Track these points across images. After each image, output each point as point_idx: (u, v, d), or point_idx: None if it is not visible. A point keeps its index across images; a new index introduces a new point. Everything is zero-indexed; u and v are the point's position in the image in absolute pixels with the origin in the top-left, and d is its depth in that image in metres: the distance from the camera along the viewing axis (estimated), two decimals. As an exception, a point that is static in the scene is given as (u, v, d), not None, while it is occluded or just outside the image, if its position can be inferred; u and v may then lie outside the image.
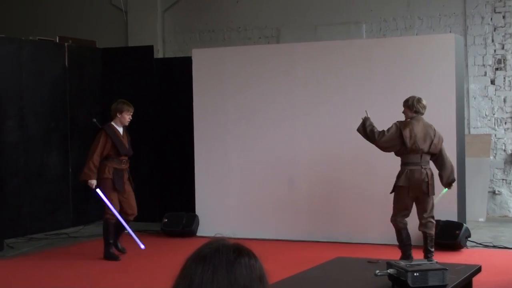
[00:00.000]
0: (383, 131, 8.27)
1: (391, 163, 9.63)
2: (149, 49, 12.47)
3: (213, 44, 13.39)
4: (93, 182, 9.21)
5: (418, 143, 8.15)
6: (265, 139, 10.59)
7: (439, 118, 9.74)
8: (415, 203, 8.21)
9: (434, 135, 8.29)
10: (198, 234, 10.71)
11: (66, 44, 12.13)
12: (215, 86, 10.92)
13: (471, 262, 7.71)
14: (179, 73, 12.04)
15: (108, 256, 9.26)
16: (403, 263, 4.61)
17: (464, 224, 9.52)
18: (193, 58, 11.15)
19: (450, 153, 9.72)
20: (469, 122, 12.15)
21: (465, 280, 5.02)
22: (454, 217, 9.62)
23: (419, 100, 8.35)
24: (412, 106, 8.33)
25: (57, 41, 12.20)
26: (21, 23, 15.00)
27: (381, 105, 9.99)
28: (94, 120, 12.09)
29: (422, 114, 8.36)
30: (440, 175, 8.34)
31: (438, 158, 8.35)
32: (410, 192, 8.11)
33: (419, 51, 9.96)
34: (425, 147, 8.18)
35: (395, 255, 8.04)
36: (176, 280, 2.01)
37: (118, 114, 9.39)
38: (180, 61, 12.44)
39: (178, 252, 8.88)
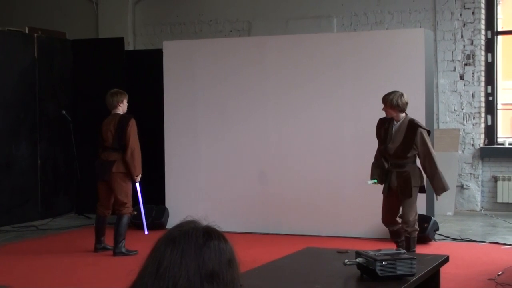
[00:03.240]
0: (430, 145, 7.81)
1: (363, 155, 9.68)
2: (120, 41, 12.40)
3: (184, 37, 13.35)
4: (139, 177, 8.97)
5: None
6: (235, 131, 10.59)
7: (408, 112, 9.77)
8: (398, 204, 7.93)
9: None
10: (168, 226, 10.68)
11: (35, 35, 12.03)
12: (186, 78, 10.90)
13: (439, 254, 7.80)
14: (149, 66, 11.99)
15: (126, 252, 8.90)
16: (371, 252, 4.64)
17: (432, 218, 9.61)
18: (164, 50, 11.11)
19: (419, 147, 9.81)
20: (438, 116, 12.24)
21: (433, 269, 5.07)
22: (422, 211, 9.68)
23: (402, 96, 7.81)
24: (398, 106, 7.73)
25: (27, 32, 12.10)
26: (-10, 13, 14.85)
27: (350, 98, 10.04)
28: (64, 112, 12.07)
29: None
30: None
31: None
32: None
33: (389, 46, 10.01)
34: None
35: (365, 246, 8.08)
36: (145, 261, 2.02)
37: (120, 104, 9.09)
38: (150, 53, 12.39)
39: (147, 245, 8.83)
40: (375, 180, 7.99)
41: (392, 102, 7.70)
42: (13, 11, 14.73)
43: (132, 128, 8.94)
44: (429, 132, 7.86)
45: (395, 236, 8.03)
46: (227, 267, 1.99)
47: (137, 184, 9.17)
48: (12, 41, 11.61)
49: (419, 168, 7.82)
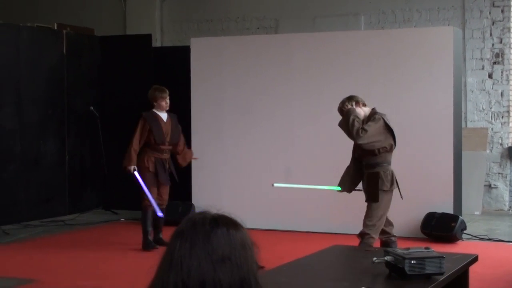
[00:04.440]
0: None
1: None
2: (147, 38, 12.44)
3: (211, 34, 13.37)
4: (131, 168, 9.02)
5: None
6: (262, 128, 10.59)
7: (436, 111, 9.77)
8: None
9: None
10: (194, 223, 10.69)
11: (64, 31, 12.11)
12: (213, 75, 10.92)
13: (467, 253, 7.75)
14: (177, 62, 12.02)
15: (145, 246, 9.03)
16: (400, 250, 4.62)
17: (460, 217, 9.55)
18: (191, 47, 11.14)
19: (447, 146, 9.77)
20: (466, 115, 12.16)
21: (462, 268, 5.04)
22: (450, 210, 9.64)
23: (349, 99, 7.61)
24: (362, 101, 7.55)
25: (55, 28, 12.19)
26: (20, 9, 14.96)
27: (378, 97, 9.99)
28: (91, 108, 12.15)
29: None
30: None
31: None
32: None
33: (417, 44, 9.96)
34: None
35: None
36: (161, 258, 2.05)
37: (154, 102, 9.27)
38: (178, 50, 12.43)
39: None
40: (339, 188, 7.73)
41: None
42: (42, 7, 14.84)
43: (138, 123, 9.15)
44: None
45: (384, 246, 7.50)
46: (239, 250, 2.00)
47: (136, 174, 9.21)
48: (41, 38, 11.69)
49: (392, 171, 7.50)
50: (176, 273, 1.96)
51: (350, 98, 7.56)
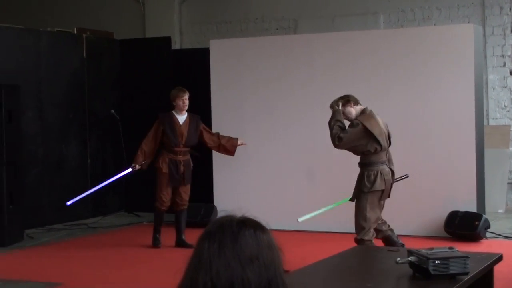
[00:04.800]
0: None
1: (410, 154, 9.62)
2: (167, 40, 12.49)
3: (230, 36, 13.38)
4: (134, 166, 9.34)
5: (385, 138, 7.58)
6: (283, 129, 10.59)
7: (458, 109, 9.72)
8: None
9: (387, 127, 7.72)
10: (216, 224, 10.71)
11: (84, 35, 12.17)
12: (232, 77, 10.92)
13: (492, 252, 7.70)
14: (196, 65, 12.05)
15: (152, 242, 9.41)
16: (424, 250, 4.60)
17: (483, 215, 9.49)
18: (210, 49, 11.16)
19: (469, 144, 9.71)
20: (488, 113, 12.09)
21: (486, 268, 5.01)
22: (473, 208, 9.59)
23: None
24: (356, 100, 7.62)
25: (75, 32, 12.25)
26: (40, 14, 15.05)
27: (399, 96, 9.97)
28: (112, 111, 12.19)
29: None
30: (392, 172, 7.72)
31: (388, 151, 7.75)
32: (382, 198, 7.57)
33: (437, 42, 9.91)
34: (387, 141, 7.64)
35: (415, 244, 8.02)
36: (189, 259, 2.07)
37: (173, 102, 9.34)
38: (197, 52, 12.45)
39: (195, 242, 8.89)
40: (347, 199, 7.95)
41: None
42: (62, 12, 14.91)
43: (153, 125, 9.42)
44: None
45: (386, 243, 7.82)
46: (266, 251, 2.03)
47: (129, 169, 9.54)
48: (61, 42, 11.76)
49: (377, 172, 7.48)
50: (205, 273, 1.99)
51: (341, 98, 7.64)
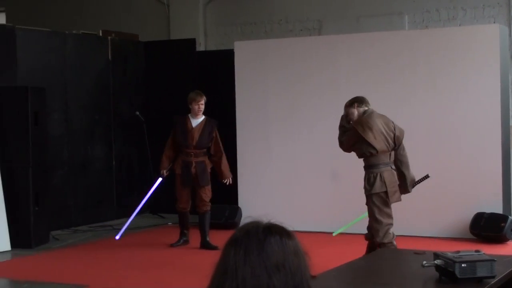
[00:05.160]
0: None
1: (435, 155, 9.57)
2: (191, 42, 12.53)
3: (254, 37, 13.38)
4: (162, 172, 9.59)
5: (385, 140, 7.46)
6: (307, 131, 10.58)
7: (483, 109, 9.66)
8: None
9: (394, 128, 7.58)
10: (241, 226, 10.73)
11: (109, 37, 12.24)
12: (257, 78, 10.93)
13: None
14: (221, 66, 12.08)
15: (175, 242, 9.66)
16: (450, 254, 4.58)
17: (509, 217, 9.43)
18: (235, 51, 11.18)
19: (495, 144, 9.65)
20: (514, 113, 11.97)
21: (513, 271, 4.97)
22: (499, 210, 9.53)
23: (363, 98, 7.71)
24: (361, 101, 7.62)
25: (100, 34, 12.31)
26: (65, 17, 15.14)
27: (424, 97, 9.92)
28: (137, 113, 12.26)
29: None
30: (403, 175, 7.63)
31: (399, 153, 7.60)
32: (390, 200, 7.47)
33: (463, 42, 9.86)
34: (391, 143, 7.50)
35: (441, 246, 7.99)
36: (216, 265, 2.07)
37: (189, 105, 9.46)
38: (222, 53, 12.47)
39: (220, 244, 8.91)
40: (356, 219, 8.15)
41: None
42: (87, 14, 14.99)
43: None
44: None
45: (368, 250, 7.60)
46: (293, 258, 2.02)
47: (159, 179, 9.82)
48: (87, 44, 11.83)
49: (377, 174, 7.43)
50: (232, 280, 1.98)
51: (350, 99, 7.76)
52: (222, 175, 9.49)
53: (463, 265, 4.43)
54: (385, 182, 7.42)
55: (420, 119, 9.90)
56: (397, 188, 7.51)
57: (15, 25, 10.94)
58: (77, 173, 11.47)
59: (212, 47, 14.11)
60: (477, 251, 4.68)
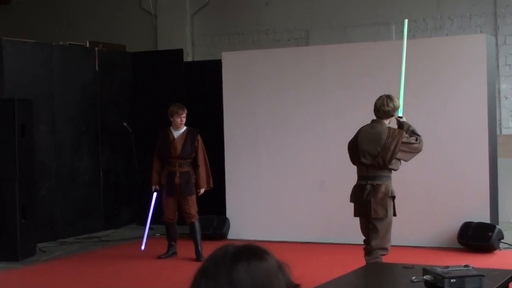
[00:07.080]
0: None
1: (424, 165, 9.58)
2: (179, 52, 12.51)
3: (242, 47, 13.40)
4: (154, 186, 9.60)
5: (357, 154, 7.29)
6: (295, 141, 10.57)
7: (471, 118, 9.68)
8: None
9: (375, 143, 7.25)
10: (229, 237, 10.72)
11: (96, 48, 12.20)
12: (245, 88, 10.93)
13: (505, 264, 7.67)
14: (208, 76, 12.06)
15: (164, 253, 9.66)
16: (439, 269, 4.58)
17: (497, 226, 9.44)
18: (223, 61, 11.17)
19: (482, 153, 9.67)
20: (501, 122, 12.04)
21: (502, 285, 4.97)
22: (486, 219, 9.54)
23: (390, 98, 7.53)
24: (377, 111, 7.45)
25: (87, 45, 12.28)
26: (52, 28, 15.11)
27: (411, 106, 9.93)
28: (125, 124, 12.23)
29: (381, 117, 7.48)
30: None
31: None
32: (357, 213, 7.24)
33: (450, 52, 9.89)
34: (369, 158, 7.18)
35: (429, 256, 7.99)
36: None
37: (170, 118, 9.45)
38: (209, 64, 12.47)
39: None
40: None
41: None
42: (74, 25, 14.97)
43: None
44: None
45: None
46: (264, 280, 1.98)
47: (154, 194, 9.73)
48: (74, 55, 11.79)
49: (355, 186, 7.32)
50: None
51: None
52: (197, 184, 9.47)
53: (452, 280, 4.44)
54: (353, 195, 7.36)
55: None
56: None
57: (1, 36, 10.90)
58: (65, 185, 11.42)
59: (199, 57, 14.12)
60: (466, 265, 4.69)
